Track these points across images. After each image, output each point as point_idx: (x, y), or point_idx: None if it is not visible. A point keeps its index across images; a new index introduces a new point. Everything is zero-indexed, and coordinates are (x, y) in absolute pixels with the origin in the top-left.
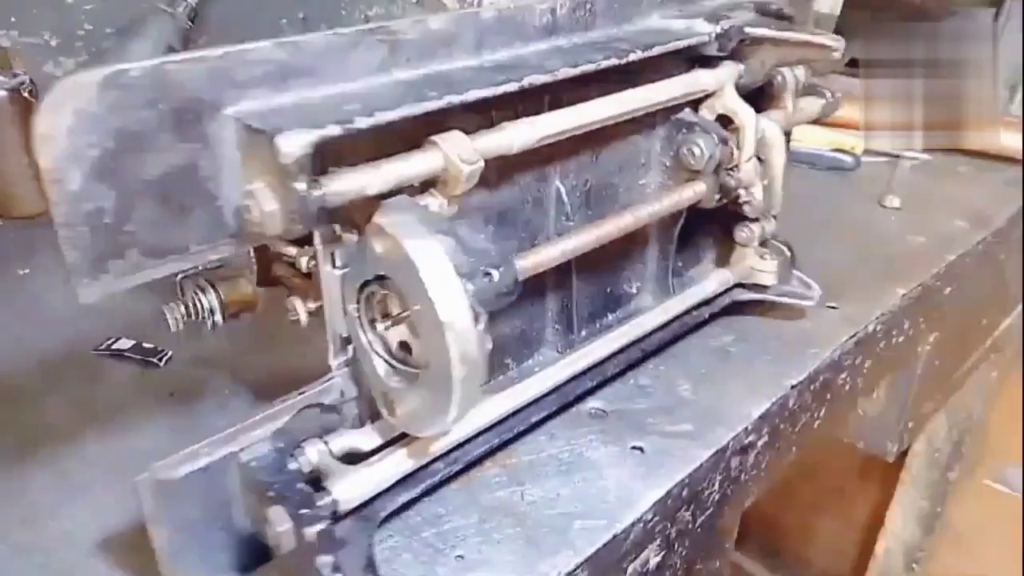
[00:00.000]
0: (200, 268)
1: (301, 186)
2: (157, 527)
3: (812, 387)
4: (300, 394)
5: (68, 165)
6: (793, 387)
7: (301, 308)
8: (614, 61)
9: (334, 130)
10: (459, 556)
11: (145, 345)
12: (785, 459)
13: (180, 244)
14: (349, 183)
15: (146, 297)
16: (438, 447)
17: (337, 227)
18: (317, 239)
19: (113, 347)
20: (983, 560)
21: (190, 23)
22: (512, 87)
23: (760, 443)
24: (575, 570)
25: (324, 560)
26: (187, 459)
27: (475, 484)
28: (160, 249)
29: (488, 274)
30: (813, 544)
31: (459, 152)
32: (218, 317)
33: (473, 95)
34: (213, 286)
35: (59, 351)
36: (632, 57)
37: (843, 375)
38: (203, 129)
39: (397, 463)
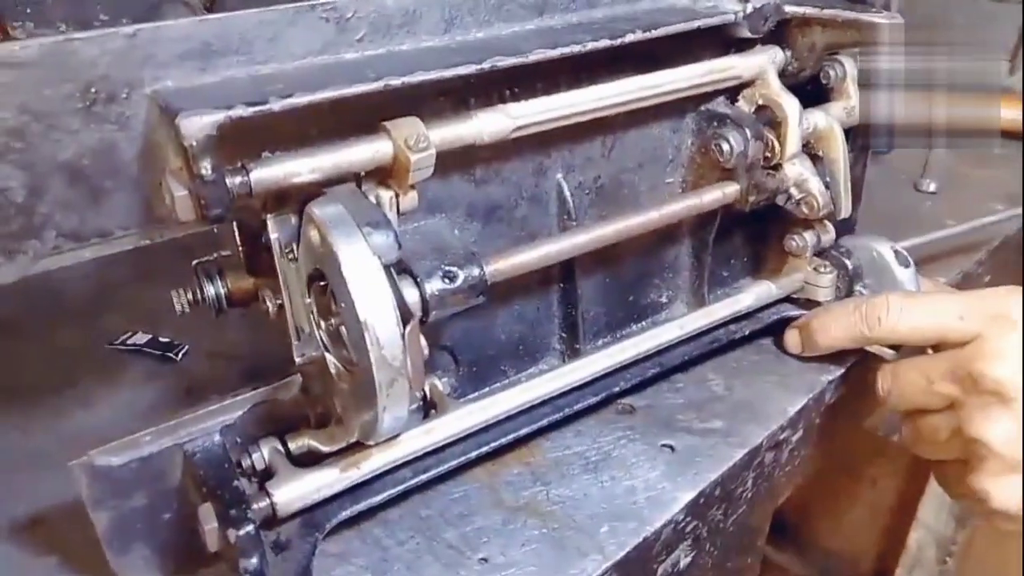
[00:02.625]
0: (216, 254)
1: (206, 170)
2: (96, 512)
3: (848, 381)
4: (254, 389)
5: None
6: (830, 382)
7: (271, 300)
8: (605, 43)
9: (242, 111)
10: (482, 559)
11: (161, 339)
12: (821, 453)
13: (102, 228)
14: (275, 170)
15: (165, 290)
16: (398, 454)
17: (293, 216)
18: (270, 226)
19: (129, 341)
20: (1020, 554)
21: (207, 11)
22: (468, 70)
23: (795, 438)
24: (604, 573)
25: (246, 564)
26: (128, 447)
27: (498, 483)
28: (80, 232)
29: (450, 274)
30: (842, 534)
31: (407, 138)
32: (223, 304)
33: (418, 78)
34: (221, 273)
35: (75, 345)
36: (629, 38)
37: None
38: (120, 109)
39: (345, 469)
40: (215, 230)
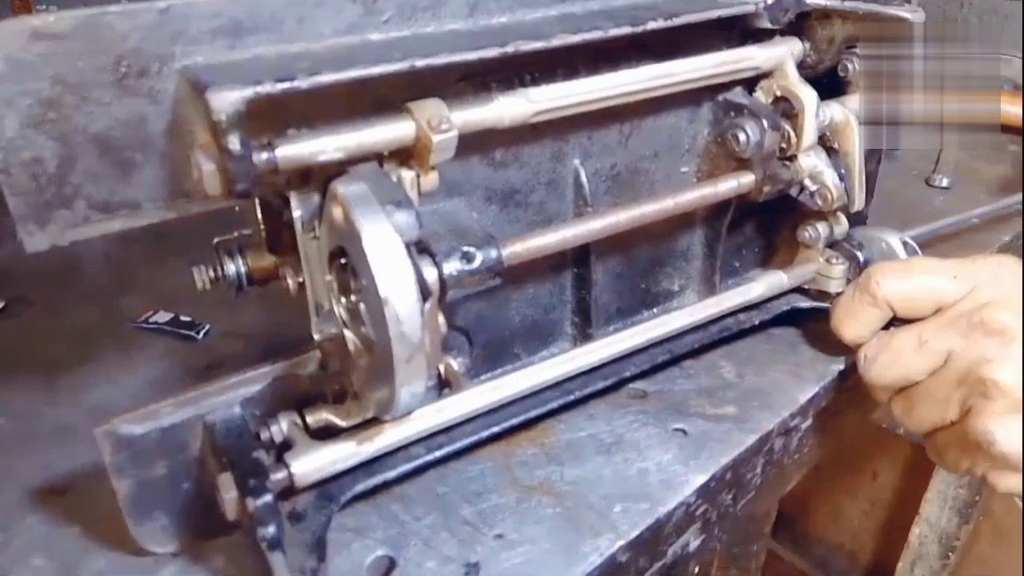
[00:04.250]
0: (237, 233)
1: (234, 145)
2: (118, 480)
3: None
4: (275, 363)
5: (1, 112)
6: (841, 372)
7: (291, 277)
8: (627, 30)
9: (271, 88)
10: (498, 535)
11: (183, 318)
12: (829, 443)
13: (131, 199)
14: (301, 147)
15: (185, 271)
16: (413, 430)
17: (316, 193)
18: (293, 203)
19: (151, 320)
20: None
21: None
22: (492, 53)
23: (804, 426)
24: (617, 552)
25: (263, 532)
26: (150, 416)
27: (513, 463)
28: (109, 203)
29: (468, 255)
30: (841, 527)
31: (430, 120)
32: (243, 283)
33: (443, 60)
34: (241, 251)
35: (97, 323)
36: (651, 26)
37: None
38: (150, 83)
39: (361, 443)
40: (236, 209)
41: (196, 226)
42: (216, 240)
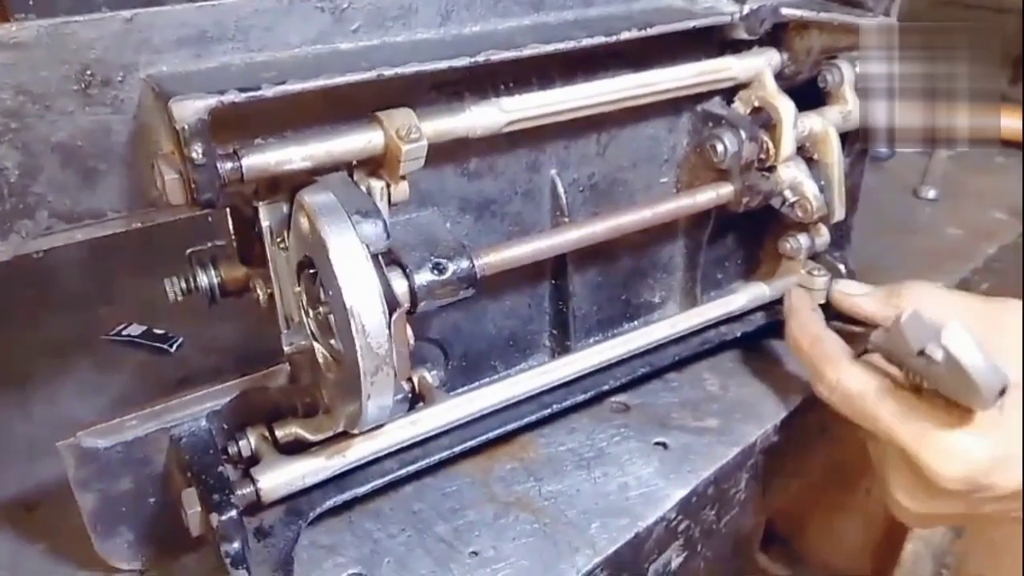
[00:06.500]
0: (210, 243)
1: (196, 154)
2: (82, 494)
3: None
4: (243, 376)
5: None
6: None
7: (262, 289)
8: (600, 39)
9: (235, 96)
10: (473, 553)
11: (156, 331)
12: (815, 458)
13: (95, 209)
14: (267, 157)
15: (160, 282)
16: (384, 443)
17: (284, 203)
18: (262, 213)
19: (124, 333)
20: (1017, 564)
21: None
22: (461, 62)
23: (789, 440)
24: (594, 570)
25: (227, 548)
26: (114, 430)
27: (490, 478)
28: (73, 213)
29: (439, 265)
30: (835, 545)
31: (399, 129)
32: (216, 294)
33: (411, 68)
34: (214, 262)
35: (70, 336)
36: (624, 36)
37: None
38: (114, 92)
39: (331, 458)
40: (209, 219)
41: (177, 235)
42: (189, 251)
